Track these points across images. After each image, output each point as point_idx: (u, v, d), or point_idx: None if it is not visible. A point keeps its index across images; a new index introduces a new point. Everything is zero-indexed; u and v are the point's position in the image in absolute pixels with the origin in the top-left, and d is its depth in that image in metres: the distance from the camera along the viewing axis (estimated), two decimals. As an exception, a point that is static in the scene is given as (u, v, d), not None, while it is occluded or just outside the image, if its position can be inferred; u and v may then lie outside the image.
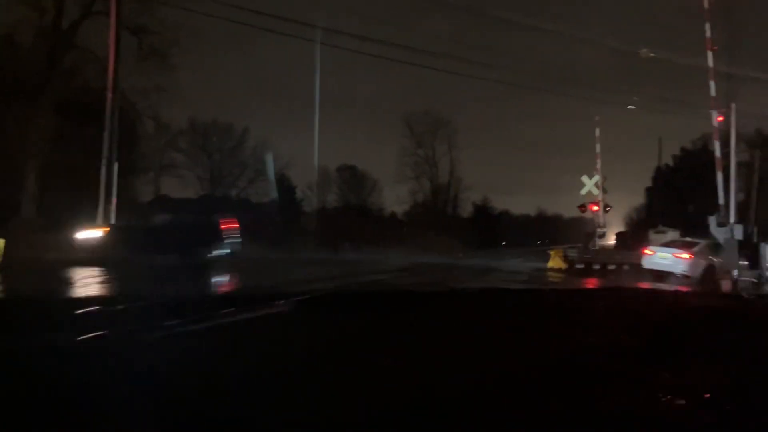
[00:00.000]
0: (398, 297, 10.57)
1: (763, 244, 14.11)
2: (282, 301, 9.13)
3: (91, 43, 25.46)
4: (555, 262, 23.27)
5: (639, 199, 55.27)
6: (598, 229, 25.27)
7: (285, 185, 46.81)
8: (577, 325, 7.03)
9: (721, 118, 13.85)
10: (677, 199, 42.09)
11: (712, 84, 13.40)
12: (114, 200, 20.10)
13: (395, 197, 56.43)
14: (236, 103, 76.16)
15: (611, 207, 25.77)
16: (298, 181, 50.85)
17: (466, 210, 61.04)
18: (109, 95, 20.16)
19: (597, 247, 24.75)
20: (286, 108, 66.50)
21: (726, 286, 12.82)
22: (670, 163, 53.59)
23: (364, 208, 51.33)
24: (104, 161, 20.03)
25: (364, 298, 10.21)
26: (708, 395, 3.28)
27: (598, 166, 25.31)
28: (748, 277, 14.07)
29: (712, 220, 13.25)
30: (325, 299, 9.85)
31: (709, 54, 13.19)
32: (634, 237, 33.58)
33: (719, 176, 13.47)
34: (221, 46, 73.01)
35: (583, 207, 25.68)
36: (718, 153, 13.64)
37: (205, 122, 43.79)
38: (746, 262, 13.23)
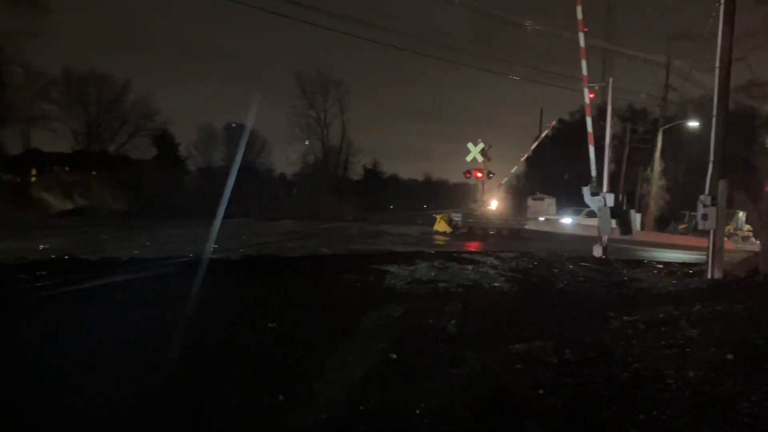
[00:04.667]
0: (273, 262, 10.73)
1: (632, 211, 15.31)
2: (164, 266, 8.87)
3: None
4: (440, 225, 23.97)
5: (520, 167, 58.24)
6: (482, 196, 26.26)
7: (167, 142, 44.44)
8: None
9: (592, 95, 14.60)
10: (555, 168, 44.57)
11: (583, 63, 14.09)
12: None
13: (286, 158, 55.49)
14: (118, 54, 70.76)
15: (494, 174, 26.78)
16: (182, 138, 48.62)
17: (357, 173, 61.37)
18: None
19: (479, 212, 25.72)
20: (171, 61, 62.84)
21: (597, 251, 13.71)
22: (550, 133, 56.58)
23: (253, 168, 50.00)
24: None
25: (242, 264, 10.18)
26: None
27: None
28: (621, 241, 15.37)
29: (586, 190, 14.06)
30: (205, 264, 9.80)
31: (581, 35, 13.83)
32: (514, 203, 35.36)
33: (591, 150, 14.25)
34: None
35: (468, 173, 26.53)
36: (590, 128, 14.40)
37: (82, 72, 40.45)
38: (615, 227, 14.23)
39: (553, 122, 31.88)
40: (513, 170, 30.64)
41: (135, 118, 41.91)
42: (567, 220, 33.97)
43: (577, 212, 33.88)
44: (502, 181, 28.10)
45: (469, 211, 26.63)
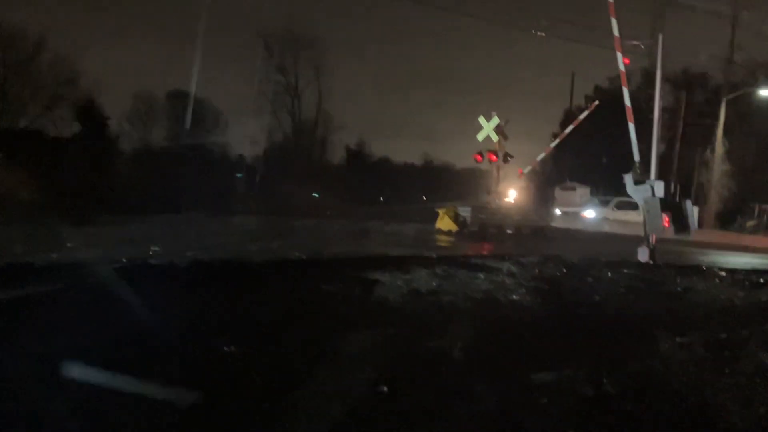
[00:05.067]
0: (230, 269, 10.68)
1: (688, 203, 15.06)
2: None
3: None
4: (444, 222, 23.95)
5: (548, 154, 58.01)
6: (497, 186, 26.17)
7: (94, 115, 44.12)
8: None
9: (627, 61, 14.61)
10: (590, 149, 44.54)
11: (613, 21, 14.01)
12: None
13: (246, 136, 55.25)
14: (29, 4, 69.94)
15: (512, 157, 26.76)
16: (113, 110, 48.34)
17: (338, 156, 61.30)
18: None
19: (493, 206, 25.67)
20: (99, 12, 62.36)
21: (643, 254, 13.72)
22: (582, 104, 56.57)
23: (204, 149, 49.77)
24: None
25: (191, 272, 10.14)
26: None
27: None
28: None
29: (628, 178, 14.05)
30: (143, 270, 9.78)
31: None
32: (538, 195, 35.48)
33: (631, 128, 14.25)
34: None
35: (479, 156, 26.47)
36: (627, 101, 14.38)
37: (-17, 25, 40.16)
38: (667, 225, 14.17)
39: (595, 102, 31.49)
40: (539, 157, 30.61)
41: (52, 84, 41.56)
42: (589, 214, 34.04)
43: (604, 203, 34.00)
44: (524, 170, 28.12)
45: (480, 204, 26.69)
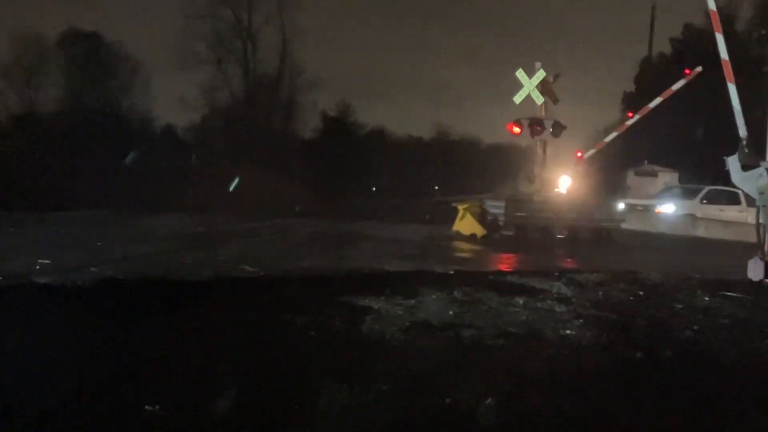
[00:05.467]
0: (154, 290, 10.67)
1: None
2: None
3: None
4: (466, 223, 23.67)
5: (614, 115, 57.52)
6: (543, 170, 25.93)
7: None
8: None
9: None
10: (677, 119, 44.19)
11: None
12: None
13: (176, 97, 54.93)
14: None
15: (566, 128, 26.43)
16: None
17: (311, 126, 60.91)
18: None
19: (537, 199, 25.42)
20: None
21: (755, 270, 13.61)
22: (668, 52, 56.39)
23: (117, 116, 49.65)
24: None
25: (97, 294, 10.19)
26: None
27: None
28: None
29: (732, 162, 13.94)
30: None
31: None
32: (602, 182, 35.27)
33: (732, 91, 14.18)
34: None
35: (517, 125, 26.14)
36: (724, 54, 14.30)
37: None
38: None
39: (696, 68, 30.52)
40: (609, 138, 30.40)
41: None
42: (667, 208, 33.91)
43: (690, 193, 33.88)
44: (584, 154, 27.99)
45: (517, 196, 26.46)
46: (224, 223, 24.30)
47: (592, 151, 28.21)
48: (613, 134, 30.47)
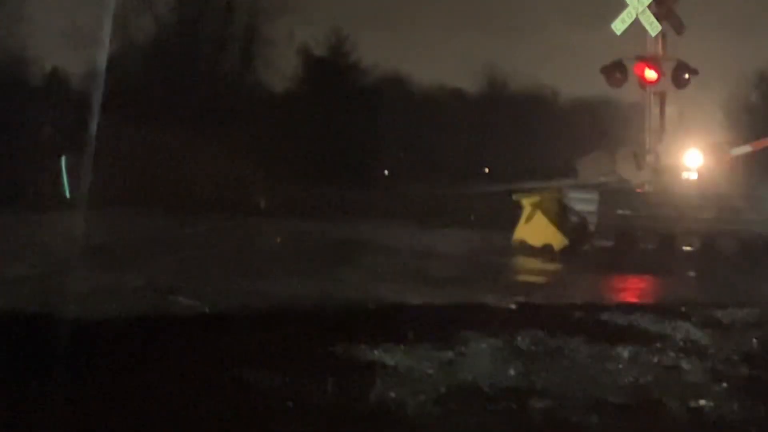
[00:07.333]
0: (36, 335, 9.06)
1: None
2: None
3: None
4: (536, 228, 20.46)
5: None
6: (662, 143, 22.21)
7: None
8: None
9: None
10: None
11: None
12: None
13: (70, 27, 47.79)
14: None
15: (697, 73, 22.14)
16: None
17: (283, 70, 50.44)
18: None
19: (649, 191, 22.13)
20: None
21: None
22: None
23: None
24: None
25: None
26: None
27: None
28: None
29: None
30: None
31: None
32: (752, 166, 31.48)
33: None
34: None
35: (617, 70, 22.29)
36: None
37: None
38: None
39: None
40: None
41: None
42: None
43: None
44: (735, 150, 23.63)
45: (618, 184, 23.02)
46: (148, 224, 20.89)
47: (745, 148, 22.59)
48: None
